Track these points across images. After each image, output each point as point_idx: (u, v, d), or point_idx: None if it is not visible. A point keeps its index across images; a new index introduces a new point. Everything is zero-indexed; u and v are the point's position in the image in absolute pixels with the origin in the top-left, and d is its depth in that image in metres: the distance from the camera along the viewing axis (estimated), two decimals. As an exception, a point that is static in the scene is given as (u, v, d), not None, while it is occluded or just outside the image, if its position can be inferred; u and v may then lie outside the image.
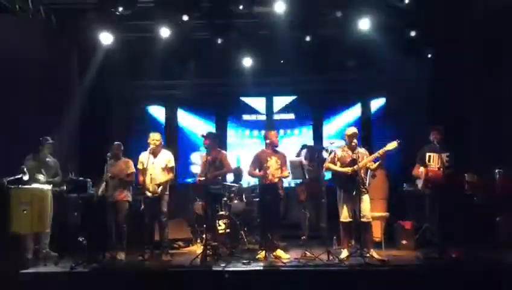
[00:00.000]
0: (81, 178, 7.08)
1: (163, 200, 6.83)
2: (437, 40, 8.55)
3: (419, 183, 6.57)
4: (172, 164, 6.96)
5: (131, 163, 7.06)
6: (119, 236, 6.90)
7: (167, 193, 6.90)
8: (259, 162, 6.98)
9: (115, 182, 6.90)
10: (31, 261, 6.51)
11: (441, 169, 6.28)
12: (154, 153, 6.87)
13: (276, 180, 6.85)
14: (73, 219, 6.97)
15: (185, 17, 7.82)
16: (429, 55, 8.91)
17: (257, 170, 6.97)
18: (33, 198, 6.51)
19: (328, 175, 7.03)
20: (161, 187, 6.77)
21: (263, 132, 8.65)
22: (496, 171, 7.47)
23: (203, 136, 7.15)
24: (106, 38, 8.06)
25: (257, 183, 8.13)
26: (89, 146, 8.66)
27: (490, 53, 8.41)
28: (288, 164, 7.08)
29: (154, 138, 6.89)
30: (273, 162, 6.86)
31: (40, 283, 5.89)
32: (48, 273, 6.15)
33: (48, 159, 7.03)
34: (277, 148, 7.10)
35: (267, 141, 7.08)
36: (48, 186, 6.82)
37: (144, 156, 6.89)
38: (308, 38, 8.38)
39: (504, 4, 7.62)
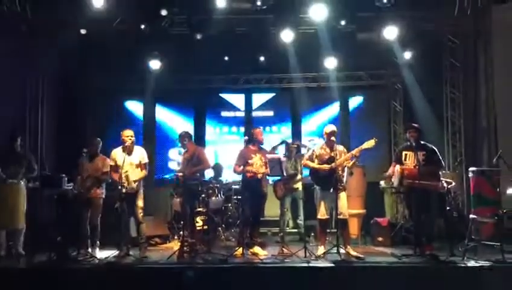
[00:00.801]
0: (55, 174, 6.92)
1: (139, 196, 6.76)
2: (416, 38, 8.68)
3: (395, 181, 6.63)
4: (146, 160, 6.88)
5: (108, 161, 6.96)
6: (93, 233, 6.82)
7: (142, 188, 6.85)
8: (243, 158, 6.97)
9: (90, 179, 6.80)
10: (4, 259, 6.40)
11: (417, 167, 6.35)
12: (128, 150, 6.78)
13: (260, 176, 6.84)
14: (47, 214, 6.82)
15: (164, 12, 7.75)
16: (407, 55, 9.02)
17: (242, 167, 6.96)
18: (6, 193, 6.37)
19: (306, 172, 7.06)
20: (136, 183, 6.70)
21: (242, 128, 8.63)
22: (470, 169, 7.62)
23: (179, 136, 7.12)
24: (83, 31, 7.93)
25: (236, 180, 8.16)
26: (65, 141, 8.52)
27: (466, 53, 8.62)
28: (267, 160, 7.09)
29: (128, 134, 6.78)
30: (257, 159, 6.85)
31: (13, 280, 5.77)
32: (21, 269, 6.06)
33: (19, 153, 6.85)
34: (261, 146, 7.10)
35: (253, 138, 7.06)
36: (22, 181, 6.68)
37: (117, 153, 6.77)
38: (286, 36, 8.38)
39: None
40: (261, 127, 7.54)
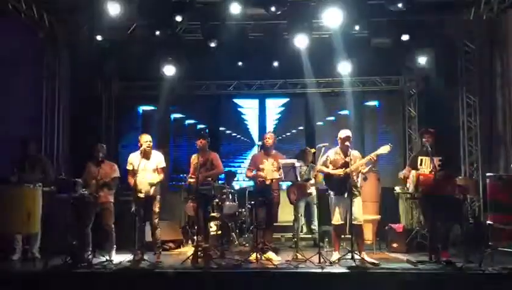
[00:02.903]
0: (70, 178, 6.98)
1: (156, 201, 6.79)
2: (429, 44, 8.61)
3: (410, 187, 6.57)
4: (163, 164, 6.91)
5: (116, 167, 7.03)
6: (108, 237, 6.87)
7: (159, 193, 6.87)
8: (255, 164, 6.97)
9: (99, 184, 6.85)
10: (20, 262, 6.46)
11: (433, 173, 6.29)
12: (146, 155, 6.81)
13: (268, 182, 6.83)
14: (63, 219, 6.88)
15: (178, 18, 7.81)
16: (420, 60, 8.96)
17: (253, 172, 6.95)
18: (23, 198, 6.43)
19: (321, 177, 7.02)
20: (153, 188, 6.72)
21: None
22: (487, 175, 7.52)
23: (198, 135, 7.13)
24: (99, 38, 8.02)
25: (250, 185, 8.16)
26: (80, 146, 8.60)
27: (482, 58, 8.53)
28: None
29: (147, 139, 6.82)
30: (268, 164, 6.85)
31: (30, 283, 5.83)
32: (37, 273, 6.11)
33: (35, 157, 6.91)
34: (274, 150, 7.09)
35: (263, 143, 7.07)
36: (38, 186, 6.73)
37: (134, 158, 6.82)
38: (302, 41, 8.39)
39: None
40: (271, 132, 7.52)
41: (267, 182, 6.81)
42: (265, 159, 6.90)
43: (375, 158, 6.38)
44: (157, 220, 6.80)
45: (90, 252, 6.71)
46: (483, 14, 8.17)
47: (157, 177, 6.79)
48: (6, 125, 8.01)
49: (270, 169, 6.84)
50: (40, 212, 6.68)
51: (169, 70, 8.96)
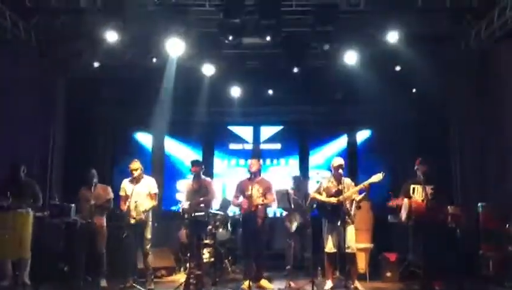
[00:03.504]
0: (64, 203, 6.96)
1: (148, 227, 6.77)
2: (422, 75, 8.72)
3: (403, 215, 6.58)
4: (155, 190, 6.93)
5: (109, 189, 7.06)
6: (99, 262, 6.82)
7: (151, 219, 6.86)
8: (241, 190, 6.99)
9: (93, 209, 6.83)
10: (10, 288, 6.37)
11: (425, 201, 6.33)
12: (137, 181, 6.84)
13: (253, 209, 6.79)
14: (55, 244, 6.82)
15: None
16: (414, 90, 9.11)
17: (240, 199, 6.96)
18: (15, 223, 6.38)
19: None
20: (145, 213, 6.72)
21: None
22: (479, 205, 7.56)
23: (191, 162, 7.16)
24: (95, 64, 8.12)
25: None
26: (74, 171, 8.59)
27: (476, 89, 8.63)
28: (273, 192, 7.08)
29: (134, 167, 6.85)
30: (254, 191, 6.85)
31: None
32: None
33: (25, 182, 6.89)
34: (260, 176, 7.10)
35: (248, 170, 7.10)
36: (29, 210, 6.69)
37: (126, 183, 6.87)
38: (295, 70, 8.52)
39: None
40: (255, 158, 7.52)
41: (252, 209, 6.79)
42: (250, 185, 6.89)
43: (367, 186, 6.41)
44: (148, 246, 6.77)
45: (81, 279, 6.64)
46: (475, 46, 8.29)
47: (150, 203, 6.80)
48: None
49: (256, 195, 6.83)
50: (30, 238, 6.63)
51: (164, 96, 9.05)
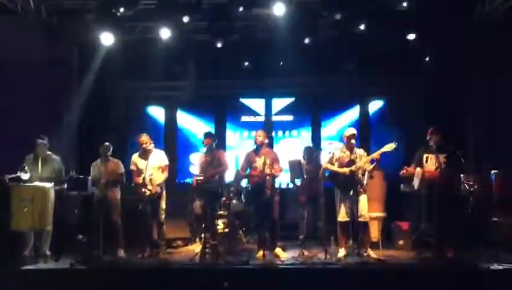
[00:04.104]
0: (81, 176, 7.09)
1: (163, 198, 6.92)
2: (436, 41, 8.60)
3: (416, 184, 6.59)
4: (166, 162, 7.06)
5: (120, 163, 7.22)
6: (115, 234, 6.98)
7: (164, 190, 6.99)
8: (248, 162, 7.03)
9: (106, 182, 6.98)
10: (31, 258, 6.56)
11: (438, 170, 6.32)
12: (146, 155, 6.95)
13: (261, 180, 6.82)
14: (73, 217, 7.00)
15: (186, 19, 7.88)
16: (427, 58, 8.99)
17: (247, 171, 7.02)
18: (35, 195, 6.52)
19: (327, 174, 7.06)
20: (159, 185, 6.87)
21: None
22: (492, 172, 7.54)
23: (204, 134, 7.22)
24: (107, 38, 8.13)
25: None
26: (89, 145, 8.71)
27: (490, 53, 8.49)
28: (286, 163, 7.13)
29: (143, 140, 6.97)
30: (261, 162, 6.88)
31: (40, 280, 5.94)
32: (48, 270, 6.23)
33: (47, 157, 7.02)
34: (267, 148, 7.10)
35: (254, 141, 7.12)
36: (50, 184, 6.83)
37: (137, 158, 7.01)
38: (307, 41, 8.45)
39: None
40: (261, 130, 7.50)
41: (261, 181, 6.83)
42: (257, 157, 6.93)
43: (379, 156, 6.42)
44: (163, 216, 6.92)
45: (99, 250, 6.81)
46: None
47: (162, 176, 6.92)
48: (16, 125, 8.11)
49: (263, 166, 6.84)
50: (51, 210, 6.80)
51: (176, 70, 9.06)
